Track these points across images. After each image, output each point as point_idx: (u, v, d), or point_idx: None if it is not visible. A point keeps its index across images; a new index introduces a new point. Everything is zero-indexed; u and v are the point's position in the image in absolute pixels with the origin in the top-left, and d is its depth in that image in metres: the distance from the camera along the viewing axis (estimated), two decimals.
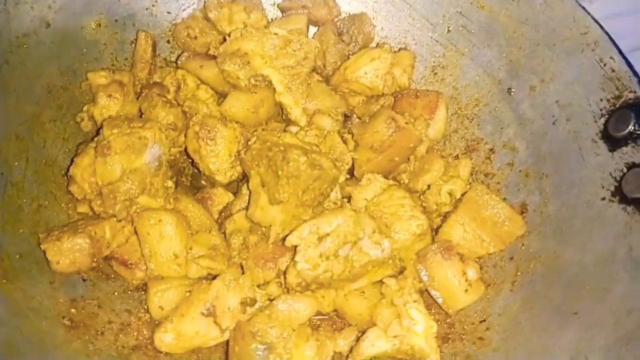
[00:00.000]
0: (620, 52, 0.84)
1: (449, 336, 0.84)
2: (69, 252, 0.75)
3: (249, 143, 0.84)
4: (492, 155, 1.00)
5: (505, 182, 0.97)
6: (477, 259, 0.90)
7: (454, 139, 1.05)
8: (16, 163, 0.79)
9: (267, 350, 0.70)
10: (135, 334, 0.77)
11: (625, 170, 0.79)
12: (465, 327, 0.84)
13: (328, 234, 0.76)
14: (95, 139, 0.82)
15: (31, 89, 0.83)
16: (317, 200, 0.80)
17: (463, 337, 0.83)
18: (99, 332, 0.74)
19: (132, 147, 0.78)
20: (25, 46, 0.83)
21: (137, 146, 0.79)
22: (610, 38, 0.85)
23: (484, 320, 0.84)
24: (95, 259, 0.77)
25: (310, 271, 0.75)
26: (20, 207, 0.77)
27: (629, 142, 0.80)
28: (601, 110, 0.84)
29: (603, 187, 0.81)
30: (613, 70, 0.83)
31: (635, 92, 0.80)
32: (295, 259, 0.76)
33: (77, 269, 0.76)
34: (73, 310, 0.74)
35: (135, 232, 0.80)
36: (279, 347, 0.72)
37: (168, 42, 1.04)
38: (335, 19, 1.08)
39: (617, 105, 0.82)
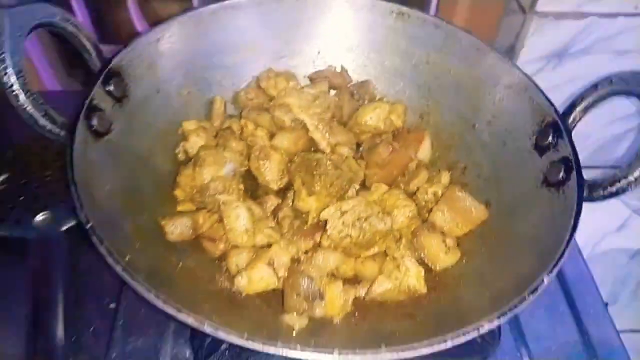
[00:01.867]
0: (542, 91, 1.27)
1: (436, 287, 1.20)
2: (179, 226, 1.16)
3: (294, 159, 1.28)
4: (465, 171, 1.41)
5: (475, 189, 1.36)
6: (457, 238, 1.28)
7: (438, 162, 1.47)
8: (140, 175, 1.22)
9: (309, 281, 1.08)
10: (219, 284, 1.15)
11: (549, 166, 1.19)
12: (448, 280, 1.20)
13: (347, 211, 1.16)
14: (193, 159, 1.26)
15: (148, 131, 1.28)
16: (339, 193, 1.22)
17: (446, 287, 1.19)
18: (197, 279, 1.12)
19: (217, 162, 1.23)
20: (146, 103, 1.29)
21: (220, 162, 1.23)
22: (535, 83, 1.29)
23: (462, 275, 1.20)
24: (194, 234, 1.18)
25: (337, 234, 1.14)
26: (143, 202, 1.18)
27: (550, 148, 1.20)
28: (533, 131, 1.25)
29: (537, 180, 1.20)
30: (538, 104, 1.25)
31: (552, 115, 1.21)
32: (326, 227, 1.16)
33: (183, 238, 1.17)
34: (180, 264, 1.13)
35: (220, 218, 1.22)
36: (317, 280, 1.10)
37: (232, 103, 1.52)
38: (349, 85, 1.55)
39: (542, 126, 1.24)
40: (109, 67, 1.21)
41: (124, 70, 1.26)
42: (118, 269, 0.89)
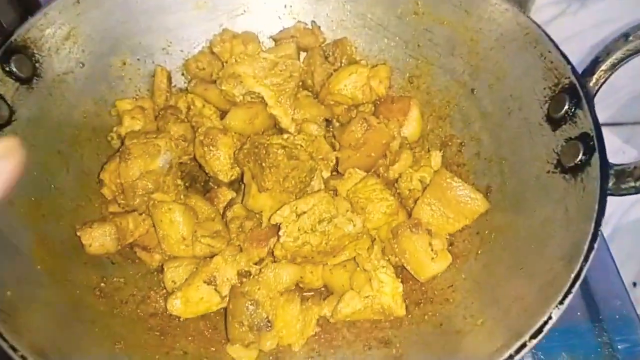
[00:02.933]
0: (556, 45, 0.98)
1: (421, 301, 0.97)
2: (98, 237, 0.95)
3: (243, 146, 1.03)
4: (462, 148, 1.15)
5: (474, 170, 1.11)
6: (449, 236, 1.03)
7: (430, 137, 1.21)
8: (59, 172, 1.00)
9: (255, 306, 0.86)
10: (153, 304, 0.94)
11: (564, 144, 0.92)
12: (435, 292, 0.97)
13: (305, 212, 0.92)
14: (120, 149, 1.02)
15: (70, 115, 1.06)
16: (297, 187, 0.97)
17: (433, 300, 0.96)
18: (123, 302, 0.92)
19: (148, 153, 0.99)
20: (65, 82, 1.05)
21: (152, 152, 1.00)
22: (547, 35, 1.00)
23: (452, 285, 0.96)
24: (120, 244, 0.97)
25: (292, 243, 0.91)
26: (61, 205, 0.97)
27: (566, 121, 0.93)
28: (545, 97, 0.98)
29: (548, 162, 0.94)
30: (552, 62, 0.97)
31: (569, 77, 0.93)
32: (279, 233, 0.92)
33: (106, 251, 0.96)
34: (102, 284, 0.93)
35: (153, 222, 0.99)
36: (266, 305, 0.87)
37: (182, 74, 1.26)
38: (321, 44, 1.26)
39: (556, 91, 0.96)
40: (9, 41, 0.97)
41: (32, 44, 1.02)
42: None
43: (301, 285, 1.02)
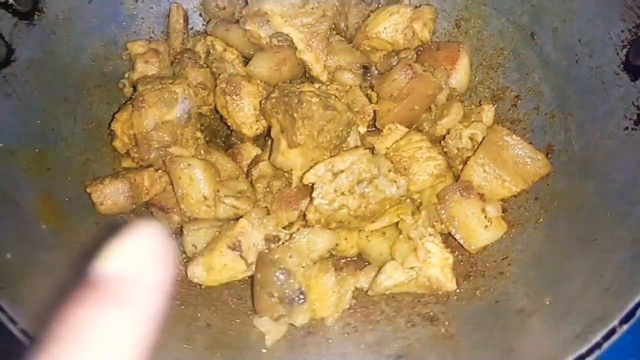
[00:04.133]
0: None
1: (471, 274, 0.86)
2: (111, 195, 0.84)
3: (270, 95, 0.90)
4: (518, 102, 1.01)
5: (531, 127, 0.98)
6: (502, 202, 0.91)
7: (479, 90, 1.07)
8: (66, 121, 0.90)
9: (286, 275, 0.75)
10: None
11: None
12: (487, 264, 0.86)
13: (342, 171, 0.80)
14: (132, 97, 0.91)
15: (77, 58, 0.94)
16: (332, 143, 0.85)
17: (485, 273, 0.85)
18: None
19: (163, 101, 0.87)
20: (70, 20, 0.92)
21: (169, 100, 0.88)
22: None
23: (506, 257, 0.85)
24: (135, 203, 0.86)
25: (327, 206, 0.80)
26: (69, 158, 0.87)
27: None
28: (622, 41, 0.84)
29: (626, 117, 0.81)
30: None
31: None
32: (312, 195, 0.81)
33: (119, 211, 0.85)
34: None
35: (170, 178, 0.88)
36: (298, 274, 0.77)
37: (200, 15, 1.12)
38: None
39: (638, 34, 0.81)
40: None
41: None
42: None
43: (333, 252, 0.91)
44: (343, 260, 0.92)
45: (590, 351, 0.53)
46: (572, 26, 0.93)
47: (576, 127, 0.90)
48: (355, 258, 0.93)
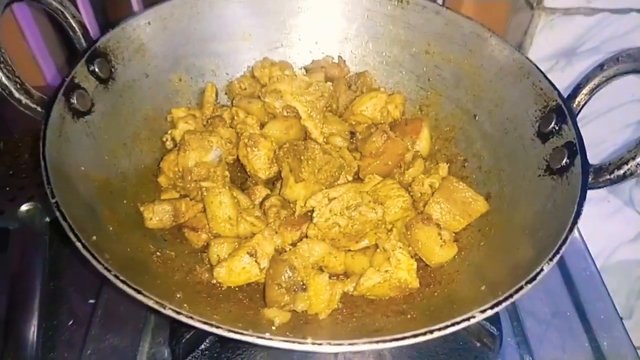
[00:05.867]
0: (545, 75, 1.19)
1: (431, 283, 1.11)
2: (158, 213, 1.10)
3: (283, 147, 1.21)
4: (465, 164, 1.33)
5: (475, 181, 1.28)
6: (454, 233, 1.19)
7: (437, 155, 1.39)
8: (123, 160, 1.17)
9: (292, 271, 1.00)
10: (199, 275, 1.08)
11: (552, 152, 1.11)
12: (443, 276, 1.12)
13: (335, 198, 1.09)
14: (178, 143, 1.20)
15: (134, 116, 1.24)
16: (328, 181, 1.15)
17: (441, 282, 1.10)
18: (175, 269, 1.06)
19: (203, 147, 1.17)
20: (132, 88, 1.24)
21: (206, 146, 1.17)
22: (538, 67, 1.21)
23: (457, 271, 1.11)
24: (175, 221, 1.12)
25: (324, 223, 1.07)
26: (124, 187, 1.13)
27: (553, 135, 1.12)
28: (535, 117, 1.18)
29: (539, 168, 1.12)
30: (541, 89, 1.18)
31: (556, 100, 1.14)
32: (313, 215, 1.08)
33: (162, 226, 1.11)
34: (158, 252, 1.07)
35: (203, 207, 1.15)
36: (301, 271, 1.02)
37: (225, 94, 1.46)
38: (346, 76, 1.48)
39: (546, 112, 1.16)
40: (94, 46, 1.17)
41: (110, 51, 1.22)
42: (79, 245, 0.82)
43: (325, 269, 1.16)
44: (332, 276, 1.16)
45: (505, 299, 0.79)
46: (502, 109, 1.28)
47: (506, 178, 1.21)
48: (342, 275, 1.18)
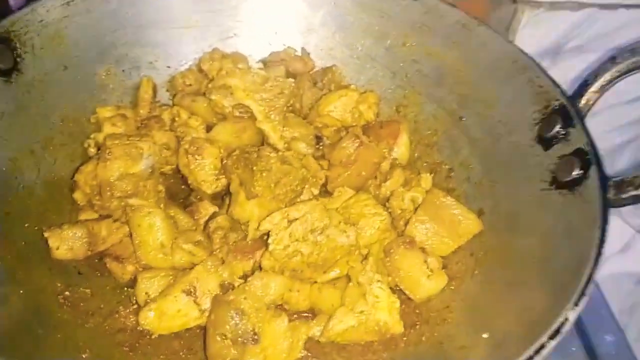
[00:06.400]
0: (544, 71, 1.01)
1: (417, 323, 0.90)
2: (68, 240, 0.86)
3: (232, 155, 0.98)
4: (451, 174, 1.14)
5: (464, 194, 1.09)
6: (442, 258, 0.99)
7: (417, 164, 1.19)
8: (29, 172, 0.93)
9: (240, 316, 0.77)
10: (122, 319, 0.85)
11: (558, 162, 0.91)
12: (431, 313, 0.91)
13: (297, 219, 0.87)
14: (99, 150, 0.96)
15: (47, 117, 1.00)
16: (288, 196, 0.92)
17: (429, 321, 0.90)
18: (89, 313, 0.82)
19: (129, 155, 0.93)
20: (44, 82, 0.99)
21: (134, 155, 0.93)
22: (535, 61, 1.02)
23: (448, 306, 0.91)
24: (90, 250, 0.87)
25: (282, 251, 0.84)
26: (28, 206, 0.89)
27: (558, 140, 0.93)
28: (534, 120, 0.99)
29: (542, 180, 0.93)
30: (541, 86, 0.99)
31: (559, 99, 0.95)
32: (268, 241, 0.85)
33: (74, 256, 0.86)
34: (67, 292, 0.83)
35: (129, 231, 0.91)
36: (252, 316, 0.79)
37: (167, 90, 1.22)
38: (310, 71, 1.26)
39: (546, 113, 0.97)
40: None
41: (15, 37, 0.97)
42: None
43: (286, 307, 0.94)
44: (295, 315, 0.94)
45: None
46: (493, 110, 1.09)
47: (501, 192, 1.02)
48: (306, 313, 0.95)
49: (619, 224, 1.99)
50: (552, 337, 0.62)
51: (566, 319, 0.64)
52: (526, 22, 1.55)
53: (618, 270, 1.98)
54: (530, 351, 0.60)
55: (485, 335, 0.75)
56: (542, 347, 0.61)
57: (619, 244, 2.00)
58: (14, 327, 0.65)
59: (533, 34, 1.58)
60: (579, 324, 1.14)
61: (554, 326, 0.63)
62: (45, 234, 0.86)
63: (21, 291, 0.76)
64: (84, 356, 0.71)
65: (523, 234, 0.92)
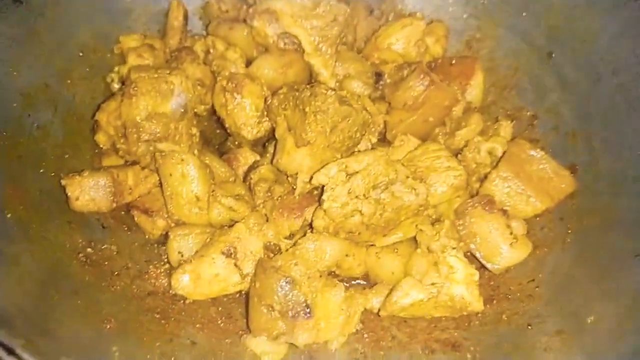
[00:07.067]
0: None
1: (493, 298, 0.77)
2: (89, 189, 0.74)
3: (278, 93, 0.84)
4: (535, 122, 0.97)
5: (551, 147, 0.93)
6: (527, 221, 0.84)
7: (492, 109, 1.02)
8: (44, 109, 0.81)
9: (290, 285, 0.65)
10: (152, 281, 0.74)
11: None
12: (511, 287, 0.78)
13: (358, 172, 0.73)
14: (123, 86, 0.82)
15: (64, 46, 0.87)
16: (345, 145, 0.78)
17: (509, 296, 0.77)
18: (114, 274, 0.72)
19: (158, 91, 0.79)
20: (60, 4, 0.86)
21: (164, 91, 0.80)
22: None
23: (533, 280, 0.77)
24: (115, 202, 0.76)
25: (339, 209, 0.71)
26: (44, 149, 0.78)
27: None
28: None
29: None
30: None
31: None
32: (322, 197, 0.72)
33: (97, 209, 0.75)
34: (89, 249, 0.73)
35: (159, 179, 0.79)
36: (303, 285, 0.67)
37: (200, 18, 1.07)
38: None
39: None
40: None
41: None
42: None
43: (337, 272, 0.81)
44: (348, 283, 0.82)
45: None
46: (593, 46, 0.90)
47: (601, 146, 0.85)
48: (360, 280, 0.83)
49: None
50: None
51: None
52: None
53: None
54: None
55: (590, 319, 0.60)
56: None
57: None
58: (25, 293, 0.54)
59: None
60: None
61: None
62: (63, 182, 0.75)
63: (35, 249, 0.64)
64: (107, 326, 0.60)
65: (631, 196, 0.76)
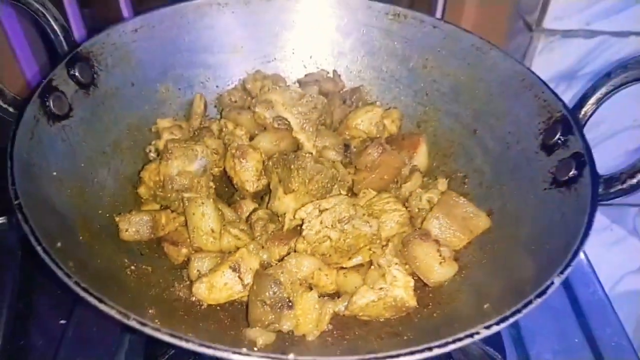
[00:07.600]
0: (548, 87, 1.15)
1: (429, 304, 1.03)
2: (135, 224, 1.03)
3: (272, 157, 1.15)
4: (466, 180, 1.28)
5: (476, 197, 1.22)
6: (455, 251, 1.12)
7: (436, 172, 1.34)
8: (101, 169, 1.11)
9: (278, 286, 0.92)
10: (177, 292, 1.01)
11: (557, 164, 1.05)
12: (443, 296, 1.04)
13: (327, 209, 1.02)
14: (161, 152, 1.14)
15: (117, 124, 1.19)
16: (320, 192, 1.08)
17: (441, 302, 1.03)
18: (150, 284, 0.99)
19: (186, 156, 1.11)
20: (115, 96, 1.19)
21: (190, 156, 1.12)
22: (540, 79, 1.17)
23: (458, 290, 1.04)
24: (153, 234, 1.05)
25: (314, 236, 1.00)
26: (101, 197, 1.07)
27: (559, 147, 1.07)
28: (539, 130, 1.13)
29: (544, 181, 1.07)
30: (545, 101, 1.13)
31: (561, 111, 1.09)
32: (302, 227, 1.01)
33: (139, 238, 1.04)
34: (132, 267, 1.00)
35: (185, 220, 1.08)
36: (287, 287, 0.94)
37: (215, 107, 1.42)
38: (340, 91, 1.44)
39: (550, 123, 1.11)
40: (75, 50, 1.13)
41: (93, 57, 1.18)
42: (39, 249, 0.75)
43: (315, 288, 1.08)
44: (322, 296, 1.08)
45: (512, 314, 0.71)
46: (503, 122, 1.23)
47: (509, 193, 1.15)
48: (333, 295, 1.10)
49: (636, 244, 2.07)
50: (538, 296, 0.75)
51: (552, 283, 0.76)
52: (542, 49, 1.69)
53: (635, 288, 2.05)
54: (519, 305, 0.73)
55: (486, 306, 0.87)
56: (529, 302, 0.74)
57: (637, 264, 2.08)
58: (96, 280, 0.81)
59: (549, 60, 1.71)
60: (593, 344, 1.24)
61: (542, 288, 0.76)
62: (117, 219, 1.04)
63: (98, 260, 0.93)
64: (150, 311, 0.86)
65: (526, 227, 1.05)
